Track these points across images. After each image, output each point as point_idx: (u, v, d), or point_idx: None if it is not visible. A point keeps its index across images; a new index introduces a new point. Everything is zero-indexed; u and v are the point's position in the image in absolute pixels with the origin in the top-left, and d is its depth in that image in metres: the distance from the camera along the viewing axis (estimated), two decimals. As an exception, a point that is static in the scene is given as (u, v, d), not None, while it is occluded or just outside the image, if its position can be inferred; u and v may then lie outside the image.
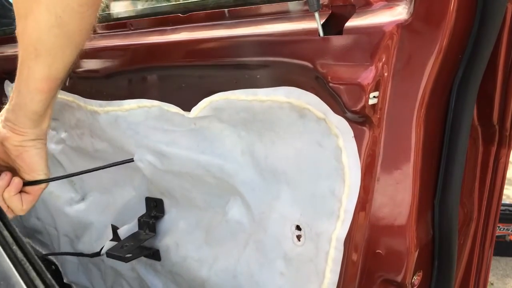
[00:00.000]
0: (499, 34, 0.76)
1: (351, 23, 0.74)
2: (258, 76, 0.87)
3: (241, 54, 0.88)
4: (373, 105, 0.74)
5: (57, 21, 0.76)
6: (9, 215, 0.92)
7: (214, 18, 0.94)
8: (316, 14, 0.75)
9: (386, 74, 0.73)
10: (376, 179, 0.79)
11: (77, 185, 1.36)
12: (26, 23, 0.78)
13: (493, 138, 0.90)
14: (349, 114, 0.76)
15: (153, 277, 1.21)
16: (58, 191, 1.38)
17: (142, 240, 1.12)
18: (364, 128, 0.77)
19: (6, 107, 0.88)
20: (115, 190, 1.25)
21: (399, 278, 0.80)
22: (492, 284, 2.44)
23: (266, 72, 0.86)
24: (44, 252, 1.55)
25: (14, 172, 0.92)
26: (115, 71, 1.09)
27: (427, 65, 0.72)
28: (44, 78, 0.82)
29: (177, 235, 1.11)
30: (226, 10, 0.92)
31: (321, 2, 0.77)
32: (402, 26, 0.71)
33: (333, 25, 0.78)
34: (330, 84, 0.75)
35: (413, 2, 0.71)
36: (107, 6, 1.36)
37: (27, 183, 0.91)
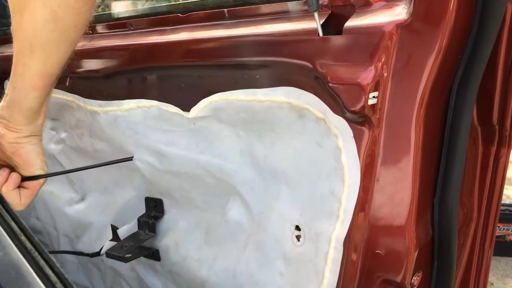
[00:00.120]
0: (499, 34, 0.76)
1: (351, 23, 0.74)
2: (257, 76, 0.87)
3: (240, 54, 0.88)
4: (373, 105, 0.74)
5: (53, 15, 0.76)
6: None
7: (214, 18, 0.94)
8: (316, 14, 0.75)
9: (385, 74, 0.73)
10: (375, 179, 0.79)
11: (76, 185, 1.36)
12: (22, 18, 0.78)
13: (493, 138, 0.90)
14: (348, 114, 0.76)
15: (152, 277, 1.21)
16: (58, 191, 1.38)
17: (142, 240, 1.12)
18: (364, 128, 0.77)
19: (0, 104, 0.88)
20: (115, 190, 1.25)
21: (398, 279, 0.80)
22: (492, 284, 2.44)
23: (266, 72, 0.86)
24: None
25: (12, 169, 0.92)
26: (114, 71, 1.09)
27: (427, 65, 0.72)
28: (39, 74, 0.82)
29: (176, 235, 1.10)
30: (225, 10, 0.92)
31: (320, 2, 0.77)
32: (401, 26, 0.71)
33: (333, 25, 0.78)
34: (330, 84, 0.75)
35: (412, 2, 0.71)
36: (107, 6, 1.36)
37: (25, 178, 0.91)
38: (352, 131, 0.78)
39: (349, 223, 0.80)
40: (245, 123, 0.91)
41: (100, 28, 1.14)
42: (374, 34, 0.72)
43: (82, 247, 1.34)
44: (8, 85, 0.85)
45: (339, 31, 0.75)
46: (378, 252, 0.80)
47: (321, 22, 0.76)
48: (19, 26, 0.79)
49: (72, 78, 1.20)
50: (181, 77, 1.00)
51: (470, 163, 0.89)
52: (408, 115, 0.75)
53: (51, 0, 0.75)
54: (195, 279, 1.08)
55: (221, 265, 1.02)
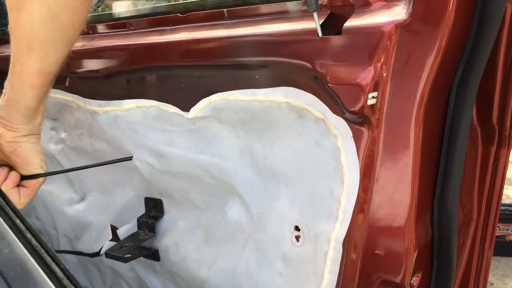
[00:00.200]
0: (498, 34, 0.76)
1: (350, 23, 0.74)
2: (257, 76, 0.87)
3: (240, 54, 0.88)
4: (372, 106, 0.74)
5: (50, 13, 0.76)
6: None
7: (213, 18, 0.94)
8: (315, 14, 0.74)
9: (385, 74, 0.73)
10: (375, 180, 0.79)
11: (76, 185, 1.36)
12: (19, 16, 0.78)
13: (493, 138, 0.90)
14: (348, 115, 0.76)
15: (152, 277, 1.21)
16: (58, 191, 1.38)
17: (141, 240, 1.12)
18: (363, 128, 0.77)
19: None
20: (115, 191, 1.25)
21: (398, 279, 0.80)
22: (492, 284, 2.44)
23: (265, 72, 0.86)
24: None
25: (11, 168, 0.92)
26: (114, 71, 1.09)
27: (426, 65, 0.72)
28: (36, 72, 0.82)
29: (176, 235, 1.10)
30: (225, 10, 0.92)
31: (320, 2, 0.77)
32: (401, 26, 0.71)
33: (332, 25, 0.78)
34: (329, 85, 0.75)
35: (412, 2, 0.71)
36: (107, 6, 1.36)
37: (24, 177, 0.91)
38: (352, 131, 0.78)
39: (348, 223, 0.80)
40: (245, 123, 0.91)
41: (100, 28, 1.14)
42: (373, 34, 0.72)
43: (82, 247, 1.35)
44: (6, 84, 0.85)
45: (338, 31, 0.75)
46: (377, 253, 0.80)
47: (320, 22, 0.76)
48: (16, 24, 0.79)
49: (72, 78, 1.20)
50: (181, 77, 1.00)
51: (469, 163, 0.89)
52: (408, 115, 0.75)
53: None
54: (194, 279, 1.08)
55: (221, 265, 1.02)
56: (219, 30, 0.91)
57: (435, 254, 0.86)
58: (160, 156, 1.02)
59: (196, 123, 0.96)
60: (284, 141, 0.87)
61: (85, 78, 1.17)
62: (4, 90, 0.86)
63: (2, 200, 0.48)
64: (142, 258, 1.17)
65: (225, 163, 0.94)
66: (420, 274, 0.84)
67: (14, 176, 0.90)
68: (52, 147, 1.32)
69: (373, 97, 0.73)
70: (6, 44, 1.28)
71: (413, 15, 0.71)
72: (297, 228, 0.87)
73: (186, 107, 0.97)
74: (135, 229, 1.16)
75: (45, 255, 0.43)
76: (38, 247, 0.44)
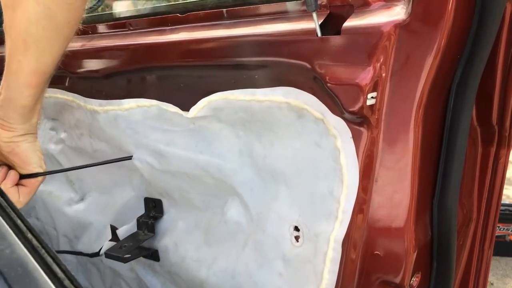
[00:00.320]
0: (498, 34, 0.76)
1: (349, 23, 0.74)
2: (256, 76, 0.87)
3: (239, 54, 0.88)
4: (371, 106, 0.74)
5: (45, 12, 0.76)
6: None
7: (213, 18, 0.94)
8: (314, 14, 0.74)
9: (384, 74, 0.73)
10: (374, 180, 0.79)
11: (76, 185, 1.36)
12: (14, 15, 0.77)
13: (493, 138, 0.89)
14: (347, 115, 0.76)
15: (151, 277, 1.21)
16: (58, 192, 1.38)
17: (141, 241, 1.12)
18: (362, 128, 0.77)
19: None
20: (114, 191, 1.25)
21: (397, 280, 0.79)
22: (492, 284, 2.43)
23: (264, 72, 0.86)
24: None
25: (10, 168, 0.92)
26: (114, 71, 1.09)
27: (426, 65, 0.72)
28: (33, 72, 0.81)
29: (176, 236, 1.10)
30: (224, 10, 0.92)
31: (319, 2, 0.77)
32: (400, 26, 0.71)
33: (331, 25, 0.78)
34: (328, 85, 0.75)
35: (411, 2, 0.71)
36: (107, 6, 1.36)
37: (23, 176, 0.91)
38: (351, 132, 0.78)
39: (347, 223, 0.80)
40: (244, 123, 0.91)
41: (100, 28, 1.14)
42: (372, 34, 0.71)
43: (82, 247, 1.34)
44: (1, 83, 0.84)
45: (337, 31, 0.75)
46: (377, 253, 0.80)
47: (319, 22, 0.76)
48: (11, 23, 0.79)
49: (72, 78, 1.20)
50: (180, 77, 1.00)
51: (469, 163, 0.89)
52: (407, 116, 0.75)
53: None
54: (194, 279, 1.08)
55: (220, 266, 1.02)
56: (218, 30, 0.91)
57: (435, 255, 0.85)
58: (160, 156, 1.02)
59: (196, 122, 0.96)
60: (284, 141, 0.87)
61: (85, 78, 1.17)
62: (0, 90, 0.85)
63: (3, 200, 0.48)
64: (141, 258, 1.17)
65: (224, 163, 0.94)
66: (419, 275, 0.84)
67: (13, 175, 0.90)
68: (52, 147, 1.32)
69: (372, 97, 0.73)
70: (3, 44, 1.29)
71: (412, 15, 0.71)
72: (296, 228, 0.87)
73: (185, 107, 0.97)
74: (135, 229, 1.16)
75: (46, 255, 0.43)
76: (39, 247, 0.44)
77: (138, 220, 1.15)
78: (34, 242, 0.44)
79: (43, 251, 0.43)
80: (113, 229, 1.22)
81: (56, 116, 1.29)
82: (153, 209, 1.15)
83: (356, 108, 0.73)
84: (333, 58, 0.75)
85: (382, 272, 0.81)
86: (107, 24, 1.13)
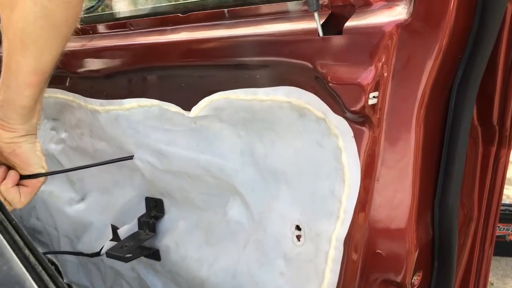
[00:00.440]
0: (498, 34, 0.76)
1: (351, 23, 0.74)
2: (257, 76, 0.87)
3: (240, 54, 0.88)
4: (373, 105, 0.74)
5: (43, 11, 0.75)
6: (7, 208, 0.91)
7: (214, 18, 0.94)
8: (316, 14, 0.75)
9: (385, 74, 0.73)
10: (376, 179, 0.79)
11: (77, 185, 1.36)
12: (11, 14, 0.77)
13: (493, 138, 0.90)
14: (348, 114, 0.76)
15: (153, 277, 1.21)
16: (58, 191, 1.38)
17: (142, 240, 1.12)
18: (364, 128, 0.77)
19: None
20: (115, 190, 1.25)
21: (399, 278, 0.80)
22: (492, 284, 2.44)
23: (266, 72, 0.86)
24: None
25: (9, 168, 0.92)
26: (115, 71, 1.09)
27: (427, 65, 0.72)
28: (32, 71, 0.81)
29: (177, 235, 1.10)
30: (225, 10, 0.92)
31: (320, 2, 0.77)
32: (401, 26, 0.71)
33: (333, 25, 0.78)
34: (330, 84, 0.75)
35: (412, 2, 0.71)
36: (107, 6, 1.36)
37: (24, 177, 0.90)
38: (353, 131, 0.78)
39: (349, 223, 0.80)
40: (246, 122, 0.91)
41: (100, 28, 1.14)
42: (374, 34, 0.72)
43: (82, 247, 1.34)
44: (0, 84, 0.84)
45: (339, 31, 0.75)
46: (378, 252, 0.80)
47: (321, 22, 0.76)
48: (9, 23, 0.78)
49: (73, 78, 1.20)
50: (181, 77, 1.00)
51: (470, 163, 0.89)
52: (408, 115, 0.75)
53: None
54: (195, 279, 1.08)
55: (221, 265, 1.02)
56: (219, 30, 0.92)
57: (436, 254, 0.86)
58: (161, 155, 1.02)
59: (197, 122, 0.97)
60: (285, 141, 0.87)
61: (86, 78, 1.17)
62: None
63: (1, 214, 0.48)
64: (142, 258, 1.17)
65: (226, 163, 0.94)
66: (421, 274, 0.84)
67: (13, 175, 0.89)
68: (53, 147, 1.32)
69: (374, 96, 0.74)
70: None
71: (414, 15, 0.71)
72: (298, 228, 0.88)
73: (186, 107, 0.97)
74: (136, 229, 1.16)
75: (43, 273, 0.43)
76: (36, 265, 0.44)
77: (139, 219, 1.15)
78: (32, 258, 0.44)
79: (40, 268, 0.43)
80: (114, 229, 1.22)
81: (56, 116, 1.29)
82: (154, 208, 1.15)
83: (358, 107, 0.73)
84: (334, 57, 0.75)
85: (383, 271, 0.81)
86: (108, 24, 1.13)
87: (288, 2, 0.84)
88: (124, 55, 1.08)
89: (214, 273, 1.03)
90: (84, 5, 0.82)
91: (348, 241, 0.81)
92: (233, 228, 0.99)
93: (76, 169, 1.13)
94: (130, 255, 1.09)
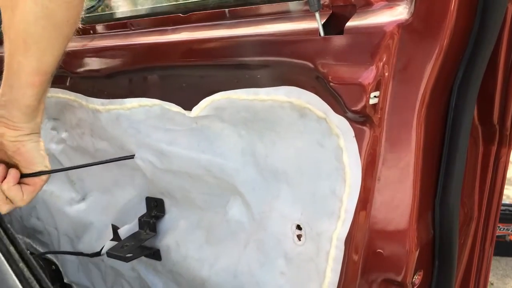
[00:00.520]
0: (499, 34, 0.76)
1: (352, 23, 0.74)
2: (258, 76, 0.87)
3: (241, 54, 0.88)
4: (374, 105, 0.74)
5: (44, 11, 0.75)
6: (9, 207, 0.90)
7: (215, 18, 0.94)
8: (317, 14, 0.75)
9: (386, 74, 0.73)
10: (377, 179, 0.79)
11: (77, 185, 1.36)
12: (13, 15, 0.77)
13: (494, 137, 0.90)
14: (350, 114, 0.76)
15: (153, 276, 1.21)
16: (59, 191, 1.38)
17: (143, 240, 1.13)
18: (365, 127, 0.78)
19: None
20: (116, 190, 1.25)
21: (399, 278, 0.80)
22: (492, 284, 2.44)
23: (267, 72, 0.86)
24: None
25: (8, 166, 0.91)
26: (116, 70, 1.09)
27: (428, 64, 0.72)
28: (35, 72, 0.81)
29: (177, 235, 1.11)
30: (226, 10, 0.92)
31: (321, 2, 0.77)
32: (402, 26, 0.72)
33: (334, 25, 0.78)
34: (331, 84, 0.75)
35: (413, 2, 0.71)
36: (107, 6, 1.36)
37: (26, 175, 0.90)
38: (354, 131, 0.78)
39: (350, 222, 0.80)
40: (247, 122, 0.91)
41: (101, 28, 1.15)
42: (375, 34, 0.72)
43: (83, 247, 1.35)
44: (3, 84, 0.84)
45: (340, 31, 0.75)
46: (379, 251, 0.81)
47: (322, 22, 0.76)
48: (10, 23, 0.78)
49: (73, 78, 1.20)
50: (182, 77, 1.00)
51: (470, 162, 0.89)
52: (409, 115, 0.75)
53: None
54: (196, 278, 1.08)
55: (222, 265, 1.02)
56: (220, 30, 0.92)
57: (437, 253, 0.86)
58: (162, 155, 1.02)
59: (198, 122, 0.97)
60: (286, 141, 0.87)
61: (87, 78, 1.17)
62: (1, 90, 0.85)
63: None
64: (143, 258, 1.17)
65: (226, 163, 0.94)
66: (421, 273, 0.84)
67: (14, 173, 0.89)
68: (53, 147, 1.32)
69: (375, 96, 0.74)
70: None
71: (414, 15, 0.71)
72: (298, 227, 0.88)
73: (187, 107, 0.97)
74: (136, 229, 1.16)
75: (37, 287, 0.43)
76: (31, 279, 0.44)
77: (139, 219, 1.15)
78: (26, 271, 0.44)
79: (34, 282, 0.43)
80: (115, 229, 1.22)
81: (57, 115, 1.29)
82: (155, 208, 1.15)
83: (359, 107, 0.73)
84: (335, 57, 0.75)
85: (384, 271, 0.81)
86: (108, 24, 1.13)
87: (289, 2, 0.84)
88: (124, 55, 1.08)
89: (215, 273, 1.04)
90: (84, 5, 0.82)
91: (349, 241, 0.81)
92: (233, 228, 0.99)
93: (78, 168, 1.13)
94: (131, 255, 1.09)
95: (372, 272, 0.82)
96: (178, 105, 0.99)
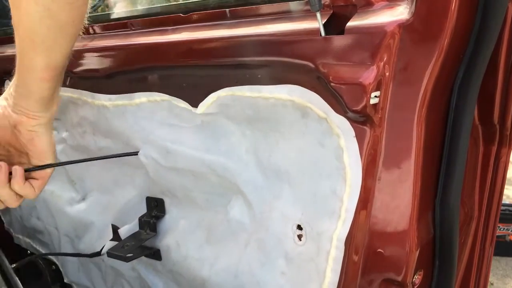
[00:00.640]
0: (500, 34, 0.76)
1: (353, 23, 0.74)
2: (259, 76, 0.87)
3: (242, 54, 0.88)
4: (374, 105, 0.74)
5: (47, 12, 0.76)
6: (20, 201, 0.93)
7: (215, 18, 0.94)
8: (318, 14, 0.75)
9: (387, 73, 0.73)
10: (377, 179, 0.79)
11: (77, 185, 1.36)
12: (19, 14, 0.78)
13: (494, 137, 0.90)
14: (350, 114, 0.76)
15: (153, 276, 1.21)
16: (59, 191, 1.38)
17: (143, 240, 1.13)
18: (366, 127, 0.78)
19: (10, 92, 0.89)
20: (116, 190, 1.25)
21: (400, 278, 0.80)
22: (492, 284, 2.44)
23: (267, 72, 0.86)
24: (44, 252, 1.55)
25: (14, 157, 0.94)
26: (115, 71, 1.09)
27: (428, 64, 0.72)
28: (45, 68, 0.83)
29: (178, 235, 1.11)
30: (227, 10, 0.92)
31: (322, 2, 0.77)
32: (403, 26, 0.72)
33: (335, 25, 0.78)
34: (332, 84, 0.75)
35: (414, 2, 0.71)
36: (107, 6, 1.36)
37: (29, 169, 0.92)
38: (354, 131, 0.78)
39: (350, 222, 0.80)
40: (251, 121, 0.91)
41: (101, 28, 1.15)
42: (376, 33, 0.72)
43: (83, 246, 1.35)
44: (17, 77, 0.86)
45: (341, 31, 0.75)
46: (379, 251, 0.81)
47: (323, 22, 0.76)
48: (19, 21, 0.79)
49: (73, 78, 1.20)
50: (182, 77, 1.00)
51: (471, 162, 0.89)
52: (410, 115, 0.75)
53: None
54: (196, 278, 1.08)
55: (223, 265, 1.02)
56: (221, 30, 0.92)
57: (437, 253, 0.86)
58: (166, 152, 1.02)
59: (204, 119, 0.97)
60: (288, 140, 0.87)
61: (87, 78, 1.17)
62: (15, 82, 0.87)
63: None
64: (143, 258, 1.17)
65: (230, 161, 0.94)
66: (422, 273, 0.84)
67: (19, 171, 0.91)
68: (53, 147, 1.32)
69: (375, 96, 0.74)
70: (7, 44, 1.29)
71: (415, 14, 0.71)
72: (299, 227, 0.88)
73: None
74: (137, 229, 1.16)
75: None
76: None
77: (140, 219, 1.15)
78: None
79: None
80: (115, 229, 1.22)
81: (58, 115, 1.29)
82: (155, 208, 1.15)
83: (359, 107, 0.73)
84: (336, 57, 0.75)
85: (384, 270, 0.81)
86: (108, 24, 1.13)
87: (290, 2, 0.84)
88: (124, 55, 1.08)
89: (215, 273, 1.04)
90: (89, 5, 0.83)
91: (349, 241, 0.81)
92: (234, 228, 0.99)
93: (82, 161, 1.14)
94: (131, 254, 1.09)
95: (372, 272, 0.82)
96: None
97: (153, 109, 1.03)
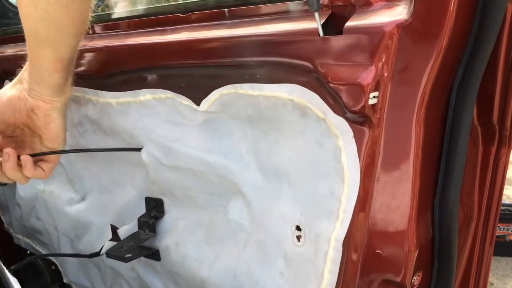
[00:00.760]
0: (499, 34, 0.76)
1: (351, 23, 0.74)
2: (258, 76, 0.87)
3: (240, 54, 0.88)
4: (373, 105, 0.74)
5: (44, 14, 0.78)
6: (28, 180, 0.99)
7: (214, 18, 0.94)
8: (316, 14, 0.75)
9: (386, 74, 0.73)
10: (375, 179, 0.79)
11: (77, 185, 1.36)
12: (22, 14, 0.81)
13: (493, 137, 0.90)
14: (349, 114, 0.76)
15: (152, 277, 1.21)
16: (58, 191, 1.38)
17: (142, 240, 1.13)
18: (364, 128, 0.77)
19: (24, 76, 0.92)
20: (115, 190, 1.25)
21: (398, 278, 0.80)
22: (492, 284, 2.44)
23: (266, 72, 0.86)
24: (44, 252, 1.55)
25: (27, 137, 0.98)
26: (115, 71, 1.09)
27: (427, 65, 0.72)
28: (53, 61, 0.86)
29: (177, 235, 1.10)
30: (226, 10, 0.92)
31: (321, 2, 0.77)
32: (402, 26, 0.71)
33: (333, 25, 0.78)
34: (330, 84, 0.75)
35: (413, 2, 0.71)
36: (107, 6, 1.36)
37: (34, 155, 0.97)
38: (353, 131, 0.78)
39: (348, 223, 0.80)
40: (252, 121, 0.91)
41: (100, 28, 1.14)
42: (374, 34, 0.72)
43: (83, 247, 1.35)
44: (30, 65, 0.89)
45: (339, 31, 0.75)
46: (378, 252, 0.81)
47: (321, 22, 0.76)
48: (23, 20, 0.82)
49: (73, 78, 1.20)
50: (182, 77, 1.00)
51: (470, 163, 0.89)
52: (409, 115, 0.75)
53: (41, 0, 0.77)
54: (195, 278, 1.08)
55: (222, 265, 1.02)
56: (220, 30, 0.91)
57: (436, 253, 0.86)
58: (168, 150, 1.02)
59: (206, 118, 0.96)
60: (288, 140, 0.87)
61: (86, 78, 1.17)
62: (28, 68, 0.90)
63: None
64: (142, 258, 1.17)
65: (231, 161, 0.94)
66: (420, 274, 0.84)
67: (28, 160, 0.95)
68: (53, 147, 1.32)
69: (374, 96, 0.73)
70: (6, 44, 1.29)
71: (414, 15, 0.71)
72: (298, 228, 0.88)
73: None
74: (136, 229, 1.16)
75: None
76: None
77: (139, 219, 1.15)
78: None
79: None
80: (114, 229, 1.22)
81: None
82: (154, 208, 1.15)
83: (358, 107, 0.73)
84: (335, 57, 0.75)
85: (383, 271, 0.81)
86: (107, 24, 1.13)
87: (288, 2, 0.84)
88: (123, 55, 1.08)
89: (214, 273, 1.04)
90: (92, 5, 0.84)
91: (348, 241, 0.81)
92: (233, 228, 0.99)
93: (86, 151, 1.16)
94: (130, 255, 1.09)
95: (370, 272, 0.82)
96: None
97: (157, 106, 1.03)
